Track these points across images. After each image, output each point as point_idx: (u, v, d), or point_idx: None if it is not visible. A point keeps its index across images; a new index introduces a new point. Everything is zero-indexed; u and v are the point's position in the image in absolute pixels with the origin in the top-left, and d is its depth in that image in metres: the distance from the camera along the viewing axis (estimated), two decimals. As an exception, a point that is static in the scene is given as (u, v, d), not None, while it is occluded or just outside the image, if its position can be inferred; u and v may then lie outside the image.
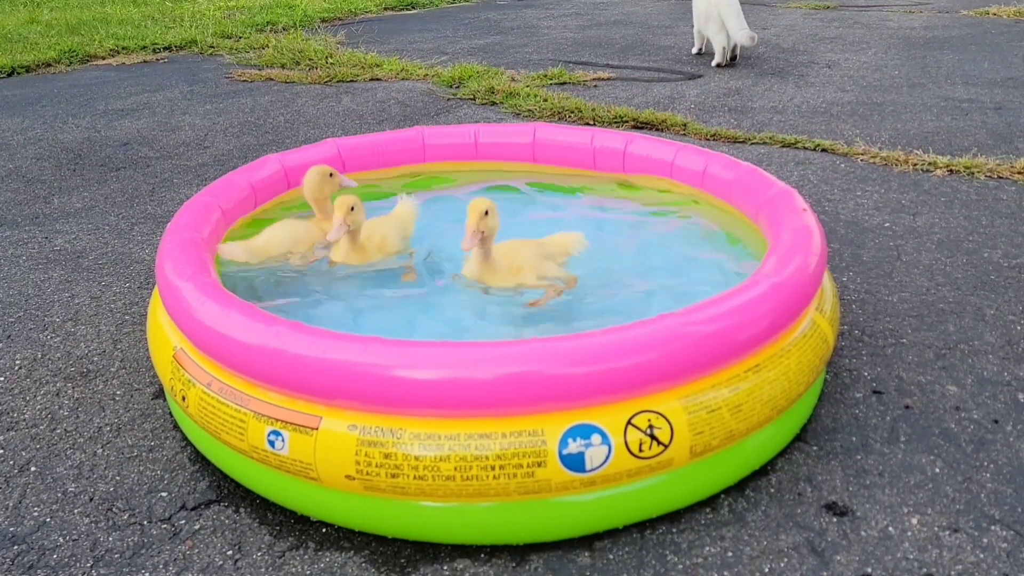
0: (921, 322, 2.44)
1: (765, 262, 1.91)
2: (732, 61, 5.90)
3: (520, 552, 1.67)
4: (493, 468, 1.56)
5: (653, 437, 1.60)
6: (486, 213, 2.09)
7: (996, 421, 2.00)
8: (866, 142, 4.01)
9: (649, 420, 1.60)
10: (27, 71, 6.33)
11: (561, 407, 1.59)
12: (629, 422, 1.59)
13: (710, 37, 5.88)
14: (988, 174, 3.54)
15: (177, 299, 1.88)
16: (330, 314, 2.19)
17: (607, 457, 1.58)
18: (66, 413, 2.16)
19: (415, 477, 1.58)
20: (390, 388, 1.58)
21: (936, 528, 1.69)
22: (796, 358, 1.80)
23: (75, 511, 1.82)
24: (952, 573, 1.58)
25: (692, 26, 6.16)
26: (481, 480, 1.57)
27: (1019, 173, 3.52)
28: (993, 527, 1.69)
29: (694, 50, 6.31)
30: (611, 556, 1.66)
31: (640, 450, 1.59)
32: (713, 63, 5.83)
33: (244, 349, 1.70)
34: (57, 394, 2.24)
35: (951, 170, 3.60)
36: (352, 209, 2.26)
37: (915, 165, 3.68)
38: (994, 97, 4.79)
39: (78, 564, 1.67)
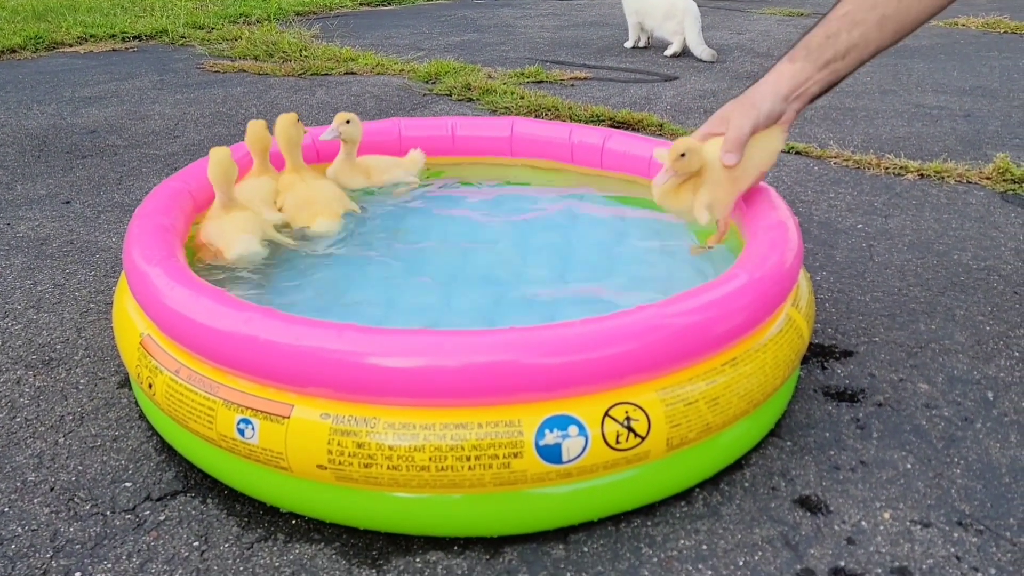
0: (893, 321, 2.46)
1: (743, 256, 1.91)
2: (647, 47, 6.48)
3: (494, 544, 1.65)
4: (469, 459, 1.54)
5: (630, 429, 1.59)
6: (348, 122, 2.63)
7: (966, 419, 2.02)
8: (839, 145, 4.05)
9: (627, 412, 1.59)
10: (-9, 56, 6.19)
11: (538, 397, 1.57)
12: (607, 413, 1.58)
13: (666, 36, 6.08)
14: (958, 179, 3.59)
15: (145, 284, 1.83)
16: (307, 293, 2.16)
17: (584, 448, 1.56)
18: (27, 401, 2.10)
19: (389, 467, 1.55)
20: (364, 376, 1.55)
21: (908, 523, 1.70)
22: (773, 353, 1.80)
23: (35, 501, 1.76)
24: (923, 567, 1.59)
25: (638, 22, 6.30)
26: (456, 471, 1.54)
27: (987, 178, 3.58)
28: (963, 522, 1.70)
29: (629, 44, 6.43)
30: (586, 548, 1.64)
31: (617, 442, 1.58)
32: (669, 52, 6.11)
33: (214, 335, 1.66)
34: (17, 382, 2.18)
35: (922, 174, 3.65)
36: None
37: (887, 169, 3.72)
38: (963, 105, 4.87)
39: (37, 554, 1.62)
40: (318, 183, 2.61)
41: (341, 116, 2.64)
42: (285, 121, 2.58)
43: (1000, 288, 2.66)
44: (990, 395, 2.11)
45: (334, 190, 2.62)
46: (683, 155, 1.98)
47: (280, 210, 2.52)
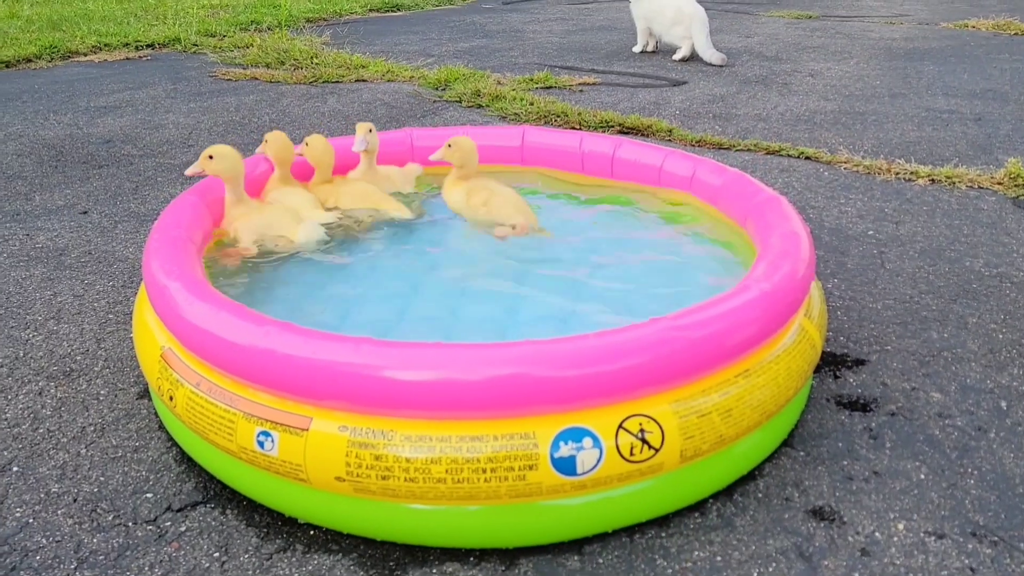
0: (905, 329, 2.47)
1: (755, 268, 1.92)
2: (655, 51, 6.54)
3: (509, 556, 1.67)
4: (484, 471, 1.56)
5: (644, 441, 1.60)
6: (370, 130, 2.70)
7: (980, 428, 2.03)
8: (849, 150, 4.05)
9: (640, 424, 1.60)
10: (7, 66, 6.25)
11: (553, 410, 1.59)
12: (620, 426, 1.59)
13: (674, 40, 6.13)
14: (969, 184, 3.59)
15: (165, 298, 1.86)
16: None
17: (598, 461, 1.58)
18: (49, 412, 2.13)
19: (406, 479, 1.57)
20: (381, 389, 1.57)
21: (922, 534, 1.71)
22: (785, 363, 1.81)
23: (59, 512, 1.79)
24: (937, 578, 1.60)
25: (646, 27, 6.33)
26: (472, 483, 1.56)
27: (999, 184, 3.58)
28: (978, 533, 1.71)
29: (637, 48, 6.47)
30: (600, 560, 1.66)
31: (631, 454, 1.60)
32: (677, 57, 6.15)
33: (233, 349, 1.68)
34: (40, 393, 2.21)
35: (933, 179, 3.65)
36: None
37: (897, 174, 3.72)
38: (974, 108, 4.86)
39: (62, 566, 1.65)
40: (361, 182, 2.71)
41: (363, 126, 2.70)
42: (317, 142, 2.67)
43: (1013, 295, 2.66)
44: (1004, 404, 2.12)
45: (378, 189, 2.72)
46: (449, 145, 2.55)
47: (335, 208, 2.64)
